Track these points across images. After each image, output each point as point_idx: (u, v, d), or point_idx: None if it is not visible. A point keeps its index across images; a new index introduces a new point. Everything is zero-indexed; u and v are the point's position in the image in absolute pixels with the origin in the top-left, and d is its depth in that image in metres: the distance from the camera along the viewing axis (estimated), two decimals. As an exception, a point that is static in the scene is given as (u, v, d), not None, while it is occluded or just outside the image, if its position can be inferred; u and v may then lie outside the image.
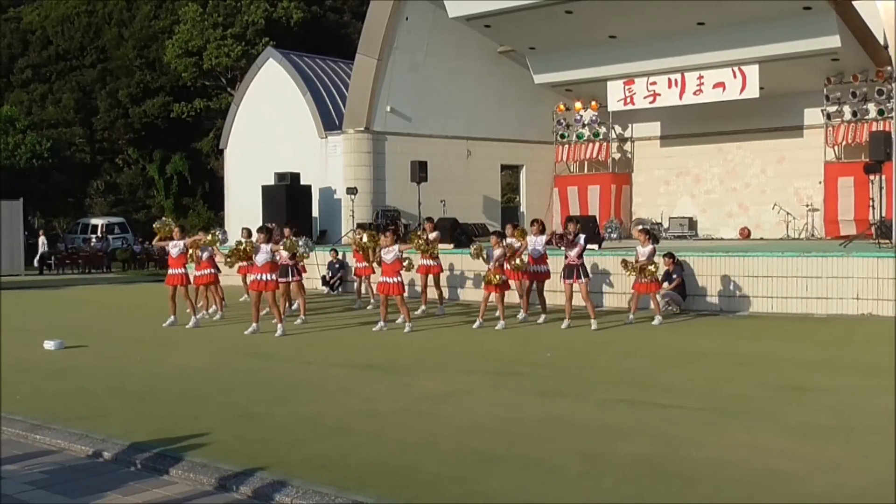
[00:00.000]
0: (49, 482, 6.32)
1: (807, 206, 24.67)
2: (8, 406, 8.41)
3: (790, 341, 12.51)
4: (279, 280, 14.40)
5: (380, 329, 13.83)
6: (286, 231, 16.25)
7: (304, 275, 16.38)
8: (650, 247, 14.53)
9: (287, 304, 15.74)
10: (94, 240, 36.94)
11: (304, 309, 15.54)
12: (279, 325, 13.67)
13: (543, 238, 14.77)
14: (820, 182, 24.43)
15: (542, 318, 14.70)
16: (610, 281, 16.73)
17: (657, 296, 14.56)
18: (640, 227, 17.61)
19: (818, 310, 15.01)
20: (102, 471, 6.61)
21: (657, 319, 14.21)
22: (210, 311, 16.30)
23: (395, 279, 13.77)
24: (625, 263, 14.70)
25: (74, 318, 16.93)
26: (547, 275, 15.02)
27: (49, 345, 12.29)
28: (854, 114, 23.51)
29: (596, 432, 7.18)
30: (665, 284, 15.76)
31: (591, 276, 14.79)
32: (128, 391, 9.26)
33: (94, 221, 39.80)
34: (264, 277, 13.65)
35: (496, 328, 13.88)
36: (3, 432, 7.67)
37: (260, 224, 16.81)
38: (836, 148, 24.28)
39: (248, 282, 16.02)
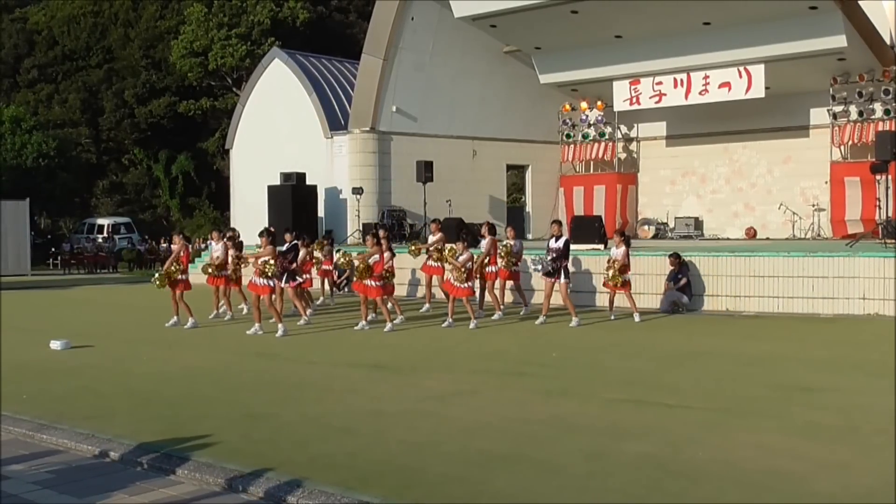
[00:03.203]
0: (55, 482, 6.33)
1: (813, 205, 24.61)
2: (14, 406, 8.43)
3: (796, 341, 12.49)
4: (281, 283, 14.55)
5: (361, 328, 14.12)
6: (287, 236, 16.02)
7: (305, 276, 16.34)
8: (623, 248, 14.86)
9: (306, 303, 15.81)
10: (100, 240, 37.02)
11: (278, 317, 13.90)
12: (275, 325, 13.80)
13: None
14: (826, 182, 24.35)
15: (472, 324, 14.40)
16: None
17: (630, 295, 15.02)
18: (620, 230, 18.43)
19: (824, 310, 14.98)
20: (109, 471, 6.62)
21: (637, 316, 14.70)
22: (221, 310, 16.36)
23: (374, 283, 13.97)
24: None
25: (80, 319, 16.98)
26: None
27: (55, 345, 12.32)
28: (860, 113, 23.45)
29: (602, 432, 7.18)
30: (671, 284, 15.78)
31: (571, 278, 14.81)
32: (134, 391, 9.27)
33: (100, 221, 39.91)
34: (258, 282, 13.72)
35: (469, 327, 14.08)
36: (10, 432, 7.70)
37: (265, 226, 16.86)
38: (842, 148, 24.21)
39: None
